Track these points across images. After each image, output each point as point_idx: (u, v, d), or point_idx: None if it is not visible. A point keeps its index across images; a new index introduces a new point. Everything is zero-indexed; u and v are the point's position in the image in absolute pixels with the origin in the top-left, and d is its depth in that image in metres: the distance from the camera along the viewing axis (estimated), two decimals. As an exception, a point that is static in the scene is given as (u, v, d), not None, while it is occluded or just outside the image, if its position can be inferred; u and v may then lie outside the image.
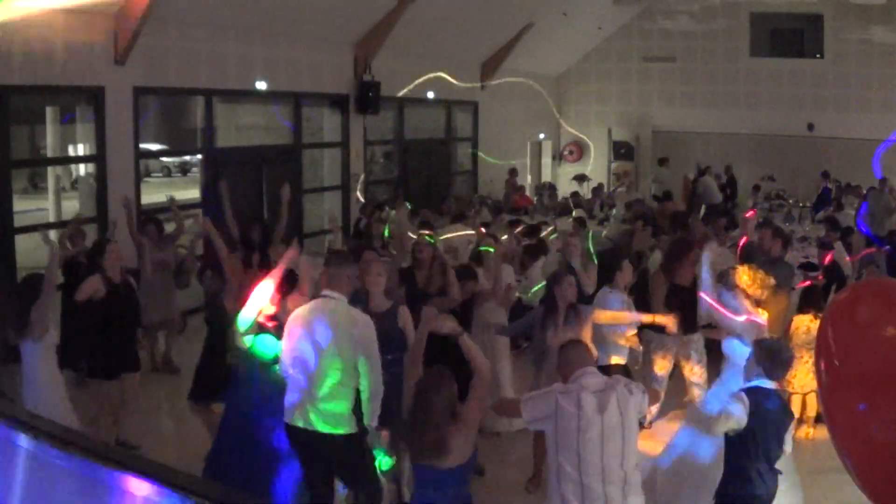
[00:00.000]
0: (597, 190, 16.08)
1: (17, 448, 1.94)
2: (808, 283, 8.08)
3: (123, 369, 5.90)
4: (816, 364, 4.53)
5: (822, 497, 5.35)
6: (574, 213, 13.55)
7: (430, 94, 14.56)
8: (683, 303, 6.16)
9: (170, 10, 8.99)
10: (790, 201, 15.26)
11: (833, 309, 4.89)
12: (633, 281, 6.73)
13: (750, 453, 3.93)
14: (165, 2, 8.70)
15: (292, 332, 4.31)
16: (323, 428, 4.19)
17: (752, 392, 3.99)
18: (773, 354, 4.07)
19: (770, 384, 4.04)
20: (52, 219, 13.14)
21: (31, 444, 1.90)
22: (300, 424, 4.24)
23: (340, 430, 4.21)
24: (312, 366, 4.19)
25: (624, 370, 6.22)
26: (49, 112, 12.41)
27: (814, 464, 5.77)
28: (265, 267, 7.71)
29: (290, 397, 4.29)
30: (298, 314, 4.33)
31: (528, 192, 16.30)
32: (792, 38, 17.68)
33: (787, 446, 4.08)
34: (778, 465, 4.11)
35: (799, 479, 4.85)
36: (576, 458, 3.53)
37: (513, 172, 16.25)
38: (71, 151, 11.71)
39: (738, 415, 3.85)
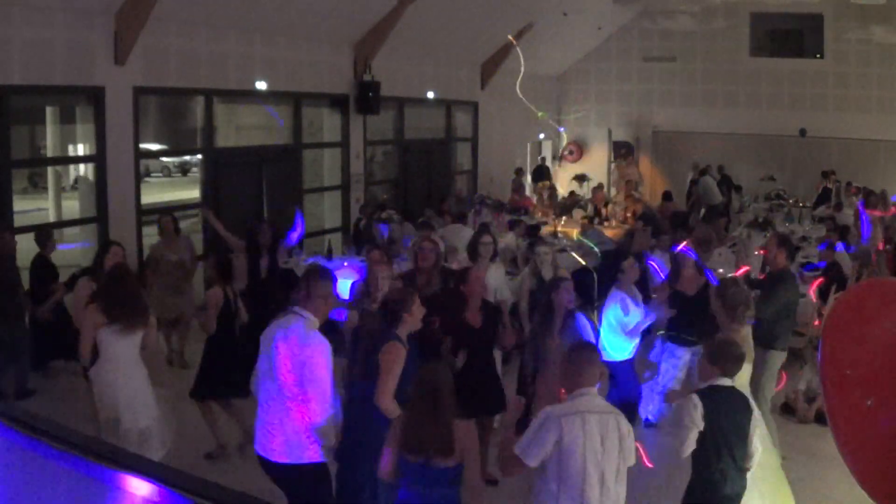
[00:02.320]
0: (596, 190, 16.09)
1: (17, 448, 1.93)
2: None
3: None
4: (820, 364, 4.53)
5: (821, 496, 5.35)
6: (574, 213, 13.58)
7: (430, 94, 14.56)
8: (687, 311, 6.14)
9: (170, 10, 8.99)
10: (790, 201, 15.26)
11: (835, 309, 4.89)
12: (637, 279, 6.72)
13: (710, 455, 3.92)
14: (165, 2, 8.69)
15: (259, 350, 4.16)
16: (275, 457, 4.00)
17: (711, 392, 3.98)
18: (725, 352, 4.07)
19: (728, 382, 4.04)
20: (52, 219, 13.18)
21: (32, 444, 1.90)
22: (258, 451, 4.09)
23: (293, 461, 3.98)
24: (264, 387, 4.05)
25: (630, 366, 6.23)
26: (49, 112, 12.42)
27: (814, 463, 5.78)
28: (273, 270, 7.76)
29: (256, 423, 4.15)
30: (264, 333, 4.18)
31: (528, 193, 16.30)
32: (792, 38, 17.68)
33: (755, 445, 4.04)
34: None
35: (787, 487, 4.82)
36: (577, 496, 3.40)
37: (519, 172, 16.25)
38: (71, 151, 11.72)
39: (692, 421, 3.87)
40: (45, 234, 7.77)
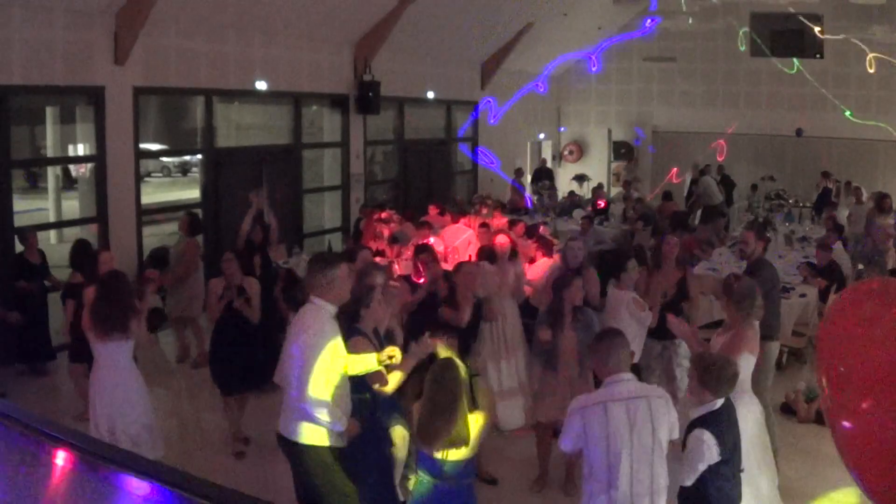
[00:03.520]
0: (596, 190, 16.09)
1: (17, 448, 1.94)
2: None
3: None
4: (818, 364, 4.53)
5: (821, 496, 5.36)
6: (574, 213, 13.58)
7: (430, 94, 14.56)
8: (664, 303, 6.14)
9: (170, 10, 8.99)
10: (790, 201, 15.27)
11: (833, 308, 4.90)
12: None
13: (716, 474, 3.78)
14: (165, 2, 8.70)
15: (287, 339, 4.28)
16: (299, 438, 4.09)
17: (712, 419, 3.78)
18: (717, 373, 3.83)
19: (720, 402, 3.84)
20: (52, 219, 13.19)
21: (32, 445, 1.90)
22: (283, 433, 4.18)
23: (315, 443, 4.08)
24: (288, 373, 4.10)
25: (635, 369, 6.21)
26: (49, 112, 12.42)
27: (814, 463, 5.78)
28: (267, 268, 7.84)
29: (283, 406, 4.24)
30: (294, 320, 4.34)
31: (528, 192, 16.30)
32: (792, 38, 17.67)
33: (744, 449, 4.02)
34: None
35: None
36: (605, 484, 3.40)
37: (518, 172, 16.26)
38: (71, 151, 11.71)
39: (706, 461, 3.71)
40: (23, 234, 7.95)
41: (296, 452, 4.14)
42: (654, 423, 3.44)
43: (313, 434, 4.08)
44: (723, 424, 3.82)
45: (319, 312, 4.09)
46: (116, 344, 4.87)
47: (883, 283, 6.06)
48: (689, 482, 3.77)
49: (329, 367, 4.03)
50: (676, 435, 3.64)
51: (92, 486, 1.77)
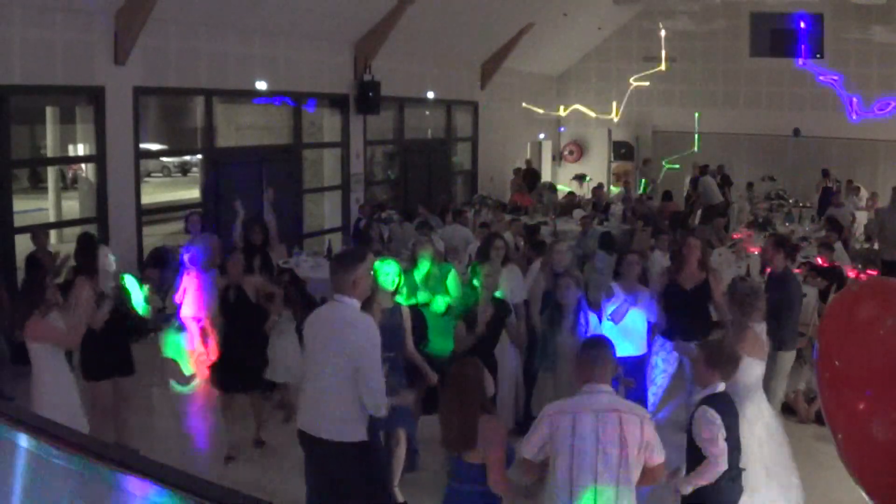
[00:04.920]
0: (596, 190, 16.06)
1: (17, 448, 1.93)
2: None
3: (115, 373, 5.81)
4: (816, 364, 4.52)
5: (821, 496, 5.36)
6: (575, 213, 13.57)
7: (430, 94, 14.56)
8: (685, 305, 6.11)
9: (170, 10, 9.00)
10: (790, 201, 15.26)
11: (833, 308, 4.89)
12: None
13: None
14: (165, 2, 8.70)
15: (305, 338, 4.27)
16: (326, 435, 4.07)
17: (714, 400, 3.89)
18: (725, 355, 4.01)
19: (723, 387, 3.97)
20: (52, 219, 13.19)
21: (31, 444, 1.90)
22: (307, 430, 4.16)
23: (344, 439, 4.06)
24: (316, 371, 4.12)
25: (639, 361, 6.19)
26: (49, 112, 12.44)
27: (813, 463, 5.78)
28: (267, 268, 7.84)
29: (301, 403, 4.26)
30: (309, 320, 4.29)
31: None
32: (792, 38, 17.68)
33: (742, 442, 4.04)
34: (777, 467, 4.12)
35: (798, 482, 4.80)
36: (567, 495, 3.35)
37: (517, 172, 16.25)
38: (71, 151, 11.73)
39: (720, 428, 3.79)
40: (35, 233, 7.93)
41: (347, 452, 4.08)
42: (622, 439, 3.32)
43: (363, 430, 4.09)
44: (723, 406, 3.88)
45: (354, 309, 4.11)
46: (38, 345, 4.81)
47: (882, 282, 6.05)
48: (723, 461, 3.74)
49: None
50: (662, 458, 3.48)
51: (92, 486, 1.77)
